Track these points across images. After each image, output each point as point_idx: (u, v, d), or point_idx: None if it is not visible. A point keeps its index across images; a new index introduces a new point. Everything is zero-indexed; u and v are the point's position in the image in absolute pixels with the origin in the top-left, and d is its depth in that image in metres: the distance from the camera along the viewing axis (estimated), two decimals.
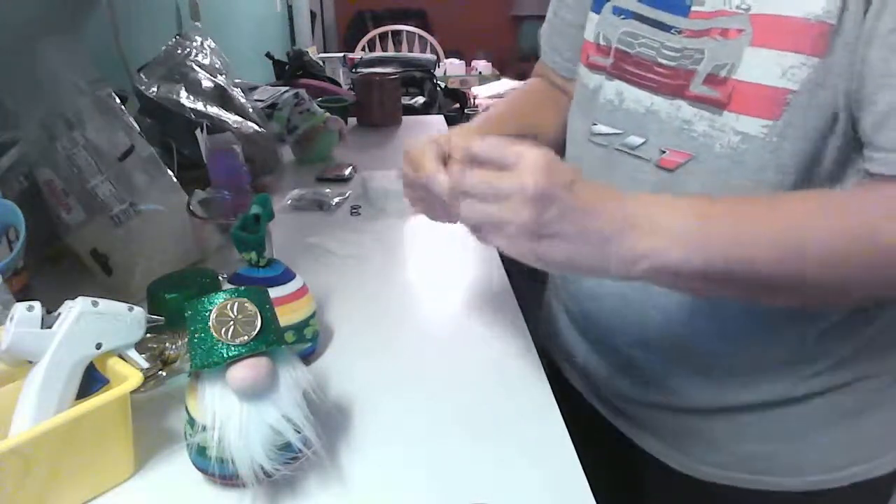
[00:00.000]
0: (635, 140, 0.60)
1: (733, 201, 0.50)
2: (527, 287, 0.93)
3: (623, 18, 0.60)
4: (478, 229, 0.47)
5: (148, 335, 0.57)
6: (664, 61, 0.57)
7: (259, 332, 0.50)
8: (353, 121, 1.73)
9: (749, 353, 0.61)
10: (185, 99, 1.14)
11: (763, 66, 0.50)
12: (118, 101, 0.87)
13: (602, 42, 0.63)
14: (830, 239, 0.46)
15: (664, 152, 0.58)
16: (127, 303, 0.55)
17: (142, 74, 1.15)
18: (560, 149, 0.75)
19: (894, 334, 0.61)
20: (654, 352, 0.65)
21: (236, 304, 0.51)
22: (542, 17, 0.80)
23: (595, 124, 0.64)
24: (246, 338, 0.49)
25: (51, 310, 0.52)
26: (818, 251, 0.46)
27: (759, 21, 0.50)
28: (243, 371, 0.49)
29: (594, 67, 0.65)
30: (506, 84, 2.70)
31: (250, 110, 1.27)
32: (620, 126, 0.62)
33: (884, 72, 0.46)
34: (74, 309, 0.52)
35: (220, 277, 0.75)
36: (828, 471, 0.63)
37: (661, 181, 0.58)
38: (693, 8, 0.54)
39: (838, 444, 0.62)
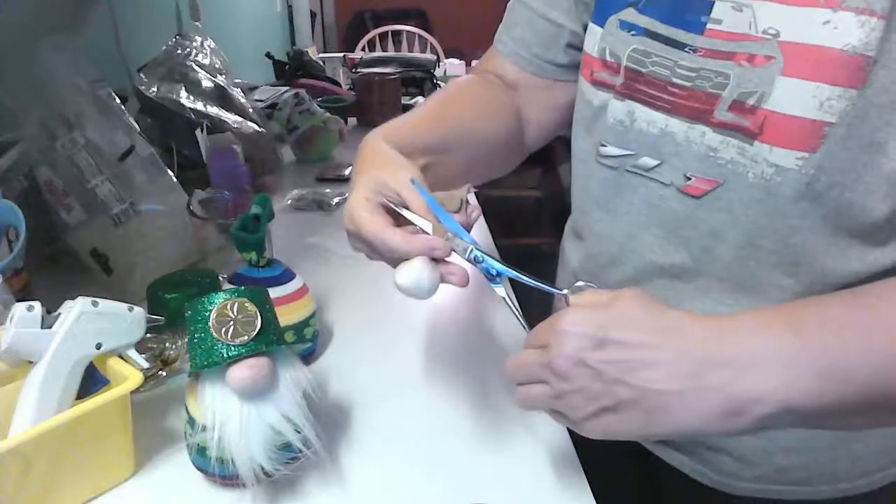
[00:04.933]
0: (649, 162, 0.58)
1: (815, 304, 0.45)
2: (527, 286, 0.93)
3: (633, 34, 0.56)
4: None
5: (148, 335, 0.57)
6: (679, 81, 0.54)
7: (259, 332, 0.50)
8: (353, 121, 1.73)
9: None
10: (185, 99, 1.14)
11: (798, 98, 0.47)
12: (118, 101, 0.87)
13: (609, 58, 0.59)
14: None
15: (689, 179, 0.55)
16: (127, 303, 0.55)
17: (142, 74, 1.15)
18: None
19: None
20: None
21: (236, 304, 0.51)
22: None
23: (604, 145, 0.61)
24: (246, 338, 0.49)
25: (51, 310, 0.52)
26: None
27: (790, 49, 0.47)
28: (243, 371, 0.49)
29: (600, 84, 0.61)
30: None
31: (250, 110, 1.27)
32: (632, 147, 0.59)
33: None
34: (74, 309, 0.52)
35: (220, 277, 0.75)
36: (860, 476, 0.62)
37: (686, 208, 0.56)
38: (708, 26, 0.51)
39: (870, 449, 0.61)
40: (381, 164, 0.52)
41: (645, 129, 0.57)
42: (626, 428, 0.43)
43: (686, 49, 0.53)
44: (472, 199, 1.18)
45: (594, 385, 0.42)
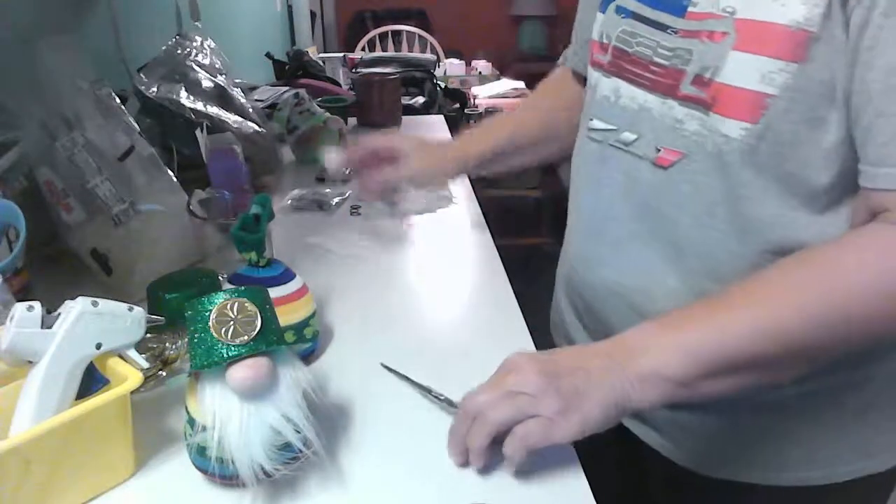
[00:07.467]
0: (628, 136, 0.62)
1: (703, 302, 0.54)
2: (527, 287, 0.93)
3: (623, 17, 0.61)
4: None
5: (148, 335, 0.57)
6: (659, 60, 0.58)
7: (259, 332, 0.50)
8: (353, 121, 1.73)
9: None
10: (185, 99, 1.14)
11: (744, 70, 0.51)
12: (118, 101, 0.87)
13: (604, 40, 0.64)
14: (805, 315, 0.50)
15: (659, 150, 0.59)
16: (127, 303, 0.55)
17: (142, 74, 1.15)
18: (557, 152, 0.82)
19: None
20: None
21: (236, 304, 0.51)
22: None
23: (592, 119, 0.66)
24: (246, 338, 0.49)
25: (51, 310, 0.52)
26: (799, 325, 0.50)
27: (743, 26, 0.51)
28: (243, 371, 0.49)
29: (595, 65, 0.66)
30: (506, 84, 2.70)
31: (250, 110, 1.27)
32: (615, 122, 0.63)
33: (872, 90, 0.47)
34: (74, 309, 0.52)
35: (220, 277, 0.75)
36: (837, 465, 0.63)
37: (657, 179, 0.60)
38: (689, 8, 0.56)
39: (847, 441, 0.63)
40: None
41: (627, 104, 0.62)
42: (591, 413, 0.50)
43: (668, 31, 0.57)
44: (465, 192, 1.18)
45: (560, 382, 0.50)
